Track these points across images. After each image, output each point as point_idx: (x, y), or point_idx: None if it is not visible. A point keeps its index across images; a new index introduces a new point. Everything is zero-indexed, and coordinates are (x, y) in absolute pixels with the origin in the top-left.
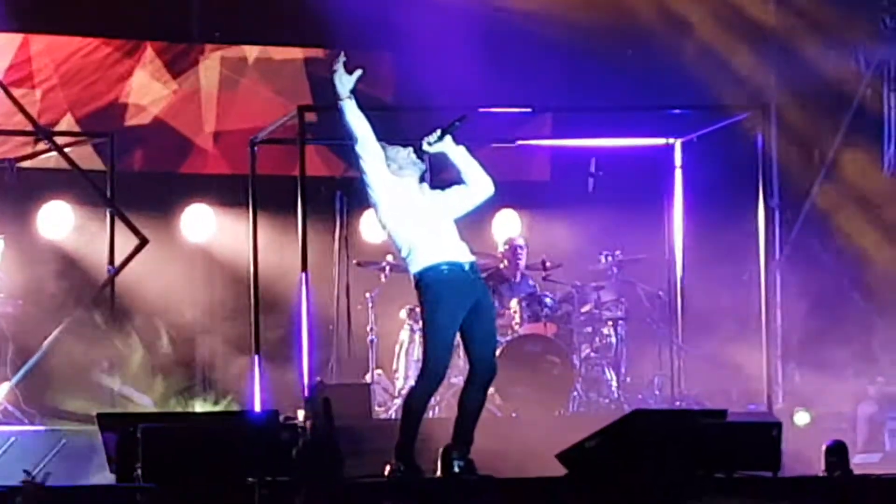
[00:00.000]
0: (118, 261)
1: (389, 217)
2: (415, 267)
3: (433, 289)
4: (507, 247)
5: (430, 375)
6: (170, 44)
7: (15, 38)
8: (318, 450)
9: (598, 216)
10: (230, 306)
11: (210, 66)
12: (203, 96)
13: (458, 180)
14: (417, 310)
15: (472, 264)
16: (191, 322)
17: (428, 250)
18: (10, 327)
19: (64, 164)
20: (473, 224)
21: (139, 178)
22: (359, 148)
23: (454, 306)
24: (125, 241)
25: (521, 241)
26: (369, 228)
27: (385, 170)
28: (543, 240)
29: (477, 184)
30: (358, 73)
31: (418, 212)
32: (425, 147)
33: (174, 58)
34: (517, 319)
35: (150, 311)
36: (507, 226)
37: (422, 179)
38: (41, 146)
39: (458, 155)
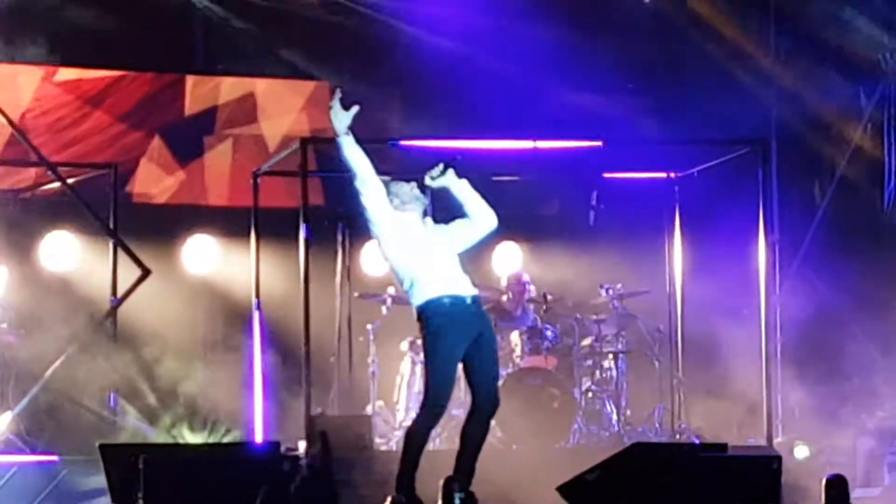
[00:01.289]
0: (121, 291)
1: (391, 250)
2: (417, 300)
3: (435, 321)
4: (512, 280)
5: (432, 408)
6: (174, 130)
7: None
8: (315, 483)
9: (600, 249)
10: (231, 337)
11: (223, 150)
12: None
13: (462, 214)
14: (419, 342)
15: (474, 297)
16: (191, 352)
17: (430, 283)
18: (12, 357)
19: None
20: (474, 256)
21: (142, 208)
22: (358, 183)
23: (456, 339)
24: (128, 272)
25: (526, 276)
26: (371, 260)
27: (386, 204)
28: (544, 273)
29: (480, 217)
30: (355, 108)
31: (420, 245)
32: (427, 181)
33: (180, 147)
34: (518, 352)
35: (151, 341)
36: (508, 258)
37: (425, 214)
38: (45, 177)
39: (460, 189)
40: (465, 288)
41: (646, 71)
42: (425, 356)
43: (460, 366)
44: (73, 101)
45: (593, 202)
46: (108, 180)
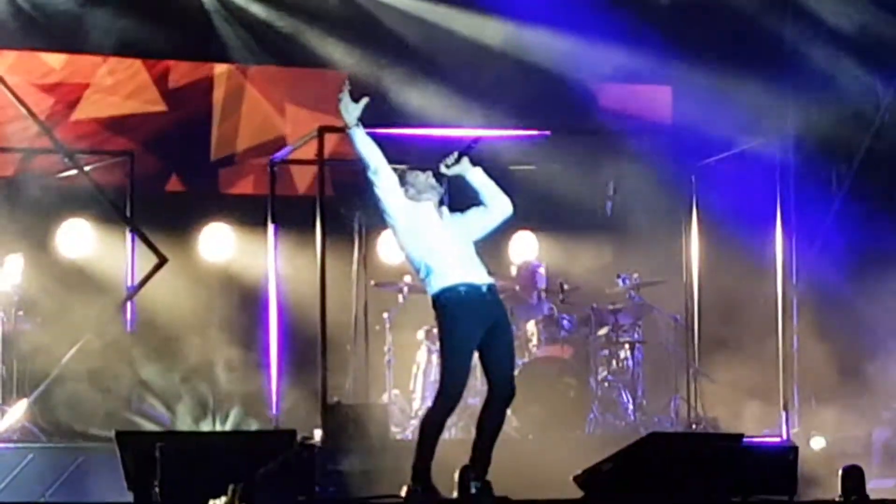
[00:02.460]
0: (138, 279)
1: (407, 240)
2: (432, 288)
3: (450, 310)
4: (524, 269)
5: (447, 396)
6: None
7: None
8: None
9: (616, 239)
10: (248, 325)
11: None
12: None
13: (478, 202)
14: (435, 331)
15: (490, 286)
16: (207, 340)
17: (445, 272)
18: (28, 345)
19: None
20: (490, 245)
21: (158, 196)
22: (371, 175)
23: (471, 327)
24: (145, 260)
25: (538, 263)
26: (387, 249)
27: (400, 195)
28: (561, 262)
29: (495, 205)
30: (364, 101)
31: (435, 234)
32: (443, 170)
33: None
34: (534, 341)
35: (167, 329)
36: (524, 247)
37: (441, 203)
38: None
39: (475, 177)
40: (480, 276)
41: (666, 59)
42: (441, 344)
43: (476, 354)
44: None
45: (610, 192)
46: (126, 168)
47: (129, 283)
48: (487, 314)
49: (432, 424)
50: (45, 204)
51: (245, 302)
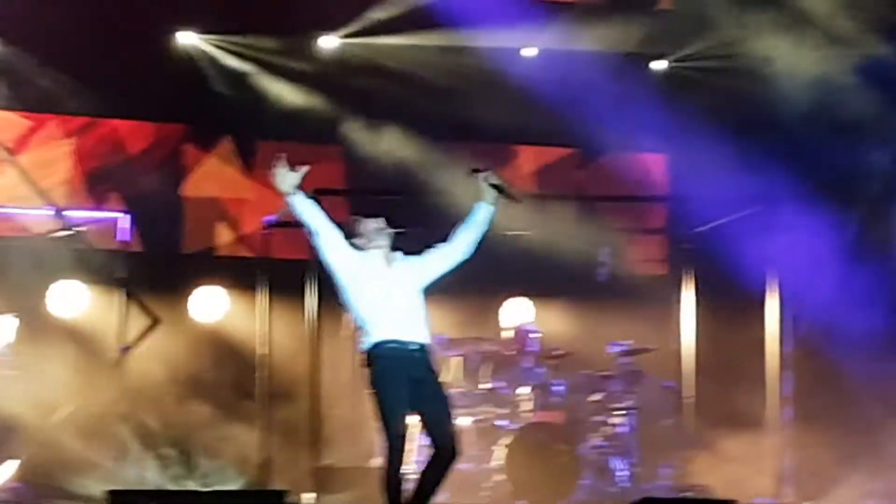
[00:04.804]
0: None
1: (348, 294)
2: (364, 344)
3: (375, 367)
4: (517, 333)
5: (388, 449)
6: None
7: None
8: None
9: (609, 305)
10: (239, 386)
11: None
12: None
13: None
14: None
15: (422, 345)
16: (199, 400)
17: (378, 328)
18: (20, 404)
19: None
20: (483, 309)
21: (150, 257)
22: (314, 238)
23: (396, 385)
24: (137, 320)
25: (532, 328)
26: None
27: (341, 251)
28: (554, 327)
29: (466, 245)
30: (305, 169)
31: (376, 288)
32: (479, 176)
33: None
34: (527, 407)
35: (159, 388)
36: (518, 312)
37: (394, 248)
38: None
39: (485, 210)
40: (414, 333)
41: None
42: (372, 397)
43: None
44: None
45: (603, 258)
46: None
47: (122, 343)
48: (414, 370)
49: (388, 479)
50: (38, 264)
51: (237, 363)
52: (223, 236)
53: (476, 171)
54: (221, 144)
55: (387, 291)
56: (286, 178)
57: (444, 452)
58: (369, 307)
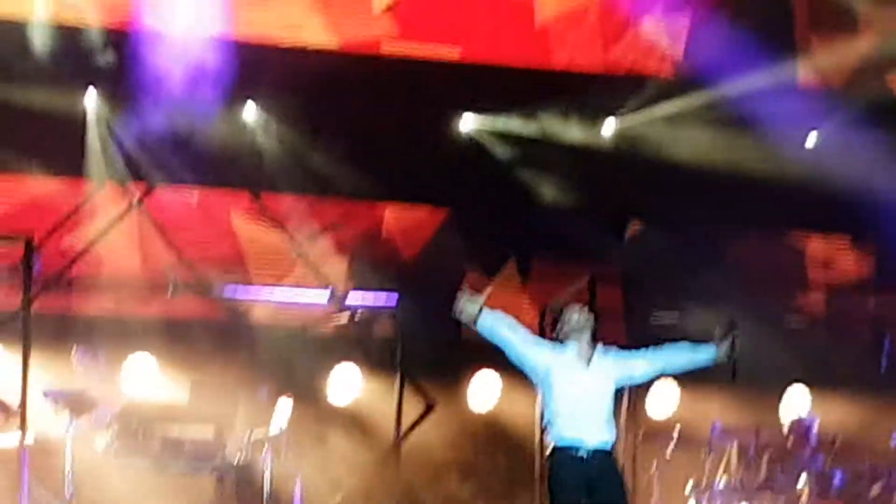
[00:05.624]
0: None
1: (542, 391)
2: (549, 441)
3: (553, 467)
4: (797, 425)
5: None
6: None
7: None
8: None
9: (892, 394)
10: (509, 470)
11: None
12: None
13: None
14: (703, 483)
15: (598, 448)
16: (476, 486)
17: (564, 428)
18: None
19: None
20: (762, 398)
21: (425, 343)
22: (507, 353)
23: (567, 482)
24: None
25: (812, 419)
26: (657, 402)
27: (536, 360)
28: (834, 416)
29: (674, 368)
30: (488, 290)
31: (566, 388)
32: (732, 335)
33: None
34: (804, 498)
35: (434, 473)
36: (797, 401)
37: (594, 338)
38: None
39: (710, 357)
40: (594, 435)
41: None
42: (548, 494)
43: None
44: None
45: (886, 348)
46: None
47: (397, 428)
48: (584, 473)
49: None
50: (317, 349)
51: (509, 449)
52: None
53: (732, 333)
54: None
55: (580, 394)
56: (466, 307)
57: None
58: (559, 407)
